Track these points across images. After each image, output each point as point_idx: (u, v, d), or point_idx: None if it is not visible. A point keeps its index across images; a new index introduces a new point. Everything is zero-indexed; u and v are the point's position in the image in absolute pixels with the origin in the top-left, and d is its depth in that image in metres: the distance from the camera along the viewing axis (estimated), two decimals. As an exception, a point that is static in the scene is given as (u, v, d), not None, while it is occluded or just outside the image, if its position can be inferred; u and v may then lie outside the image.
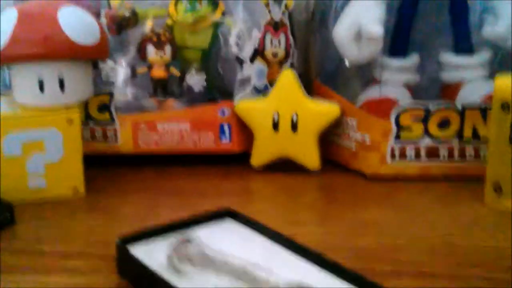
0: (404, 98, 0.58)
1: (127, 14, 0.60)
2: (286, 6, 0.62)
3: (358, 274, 0.36)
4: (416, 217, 0.49)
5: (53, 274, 0.39)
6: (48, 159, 0.51)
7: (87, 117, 0.59)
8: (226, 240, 0.41)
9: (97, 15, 0.58)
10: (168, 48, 0.60)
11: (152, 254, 0.38)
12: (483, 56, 0.58)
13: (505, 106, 0.45)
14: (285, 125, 0.58)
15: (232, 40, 0.59)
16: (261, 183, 0.59)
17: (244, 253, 0.38)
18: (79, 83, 0.52)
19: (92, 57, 0.52)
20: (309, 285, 0.34)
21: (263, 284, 0.34)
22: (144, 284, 0.37)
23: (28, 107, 0.51)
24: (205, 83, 0.61)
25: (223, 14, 0.60)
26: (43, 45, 0.49)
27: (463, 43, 0.58)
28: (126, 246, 0.39)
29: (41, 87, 0.50)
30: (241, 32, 0.59)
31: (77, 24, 0.50)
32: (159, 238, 0.41)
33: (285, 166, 0.59)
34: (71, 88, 0.51)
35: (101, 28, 0.53)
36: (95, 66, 0.59)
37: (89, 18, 0.51)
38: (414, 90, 0.60)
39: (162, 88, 0.61)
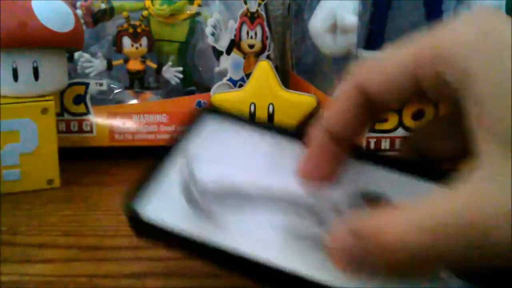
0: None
1: (103, 6, 0.60)
2: (262, -3, 0.62)
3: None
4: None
5: (31, 264, 0.39)
6: (23, 149, 0.51)
7: (62, 110, 0.59)
8: (233, 151, 0.32)
9: (73, 6, 0.58)
10: (144, 40, 0.60)
11: (167, 207, 0.30)
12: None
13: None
14: (261, 116, 0.58)
15: (208, 30, 0.59)
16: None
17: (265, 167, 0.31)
18: (53, 73, 0.52)
19: (67, 45, 0.52)
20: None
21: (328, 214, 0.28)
22: (174, 244, 0.29)
23: (1, 96, 0.51)
24: (182, 76, 0.61)
25: (200, 6, 0.61)
26: (18, 32, 0.48)
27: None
28: (135, 208, 0.30)
29: (15, 75, 0.50)
30: (217, 22, 0.59)
31: (52, 12, 0.49)
32: (161, 177, 0.32)
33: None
34: (46, 77, 0.51)
35: (76, 15, 0.52)
36: (71, 59, 0.59)
37: (63, 6, 0.51)
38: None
39: (139, 81, 0.61)
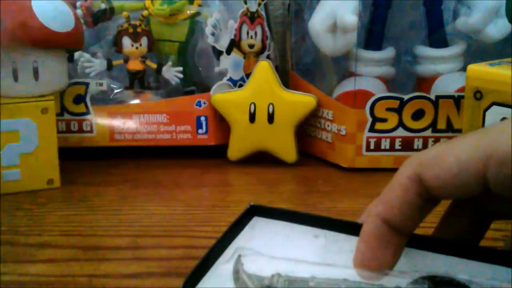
0: (379, 91, 0.58)
1: (103, 6, 0.60)
2: (262, -3, 0.62)
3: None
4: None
5: (31, 263, 0.39)
6: (23, 149, 0.51)
7: (62, 110, 0.59)
8: (285, 247, 0.33)
9: (73, 6, 0.58)
10: (144, 40, 0.60)
11: None
12: (457, 48, 0.59)
13: (477, 94, 0.45)
14: (261, 116, 0.58)
15: (208, 30, 0.59)
16: (238, 175, 0.59)
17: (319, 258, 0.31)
18: (53, 73, 0.52)
19: (67, 44, 0.52)
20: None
21: None
22: None
23: (1, 96, 0.51)
24: (182, 76, 0.61)
25: (200, 6, 0.61)
26: (18, 32, 0.48)
27: (437, 36, 0.59)
28: None
29: (15, 76, 0.50)
30: (217, 22, 0.59)
31: (52, 12, 0.50)
32: (213, 270, 0.31)
33: (262, 160, 0.60)
34: (46, 77, 0.51)
35: (76, 15, 0.52)
36: (71, 59, 0.59)
37: (63, 6, 0.51)
38: (390, 84, 0.60)
39: (139, 81, 0.61)
